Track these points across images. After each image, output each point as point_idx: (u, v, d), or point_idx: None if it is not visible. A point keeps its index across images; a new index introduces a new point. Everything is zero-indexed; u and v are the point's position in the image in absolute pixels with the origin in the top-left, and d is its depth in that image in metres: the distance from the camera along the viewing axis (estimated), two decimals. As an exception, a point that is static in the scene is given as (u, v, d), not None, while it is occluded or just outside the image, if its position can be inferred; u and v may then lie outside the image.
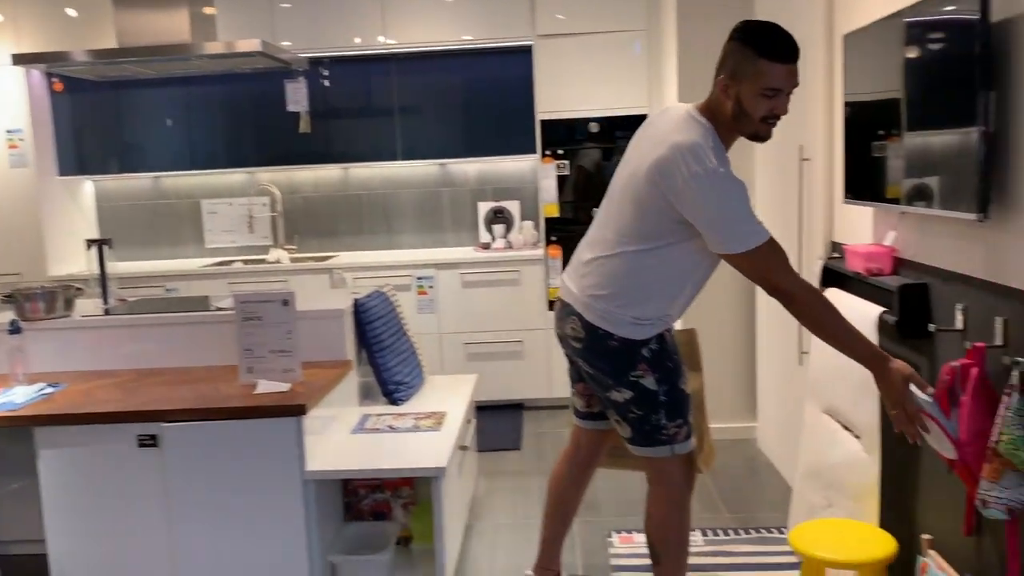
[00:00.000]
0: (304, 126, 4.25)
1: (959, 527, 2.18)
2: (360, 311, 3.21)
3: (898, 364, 2.03)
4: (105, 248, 3.37)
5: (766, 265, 2.11)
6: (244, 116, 5.15)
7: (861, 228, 2.80)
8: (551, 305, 4.85)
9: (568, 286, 2.40)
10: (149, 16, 3.62)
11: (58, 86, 4.98)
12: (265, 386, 2.69)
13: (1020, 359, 1.80)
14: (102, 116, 5.19)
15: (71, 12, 4.81)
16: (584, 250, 2.39)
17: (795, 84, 2.14)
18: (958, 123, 1.96)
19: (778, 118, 2.17)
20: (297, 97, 4.05)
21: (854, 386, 2.51)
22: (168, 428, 2.51)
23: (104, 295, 3.40)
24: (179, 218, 5.42)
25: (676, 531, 2.40)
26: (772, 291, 2.13)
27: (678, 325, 4.18)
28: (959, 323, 2.14)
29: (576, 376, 2.57)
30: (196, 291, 4.88)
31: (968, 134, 1.92)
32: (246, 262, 5.23)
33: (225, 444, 2.51)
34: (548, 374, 4.89)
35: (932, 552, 2.18)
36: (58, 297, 3.16)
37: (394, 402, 3.26)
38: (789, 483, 3.65)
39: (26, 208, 4.82)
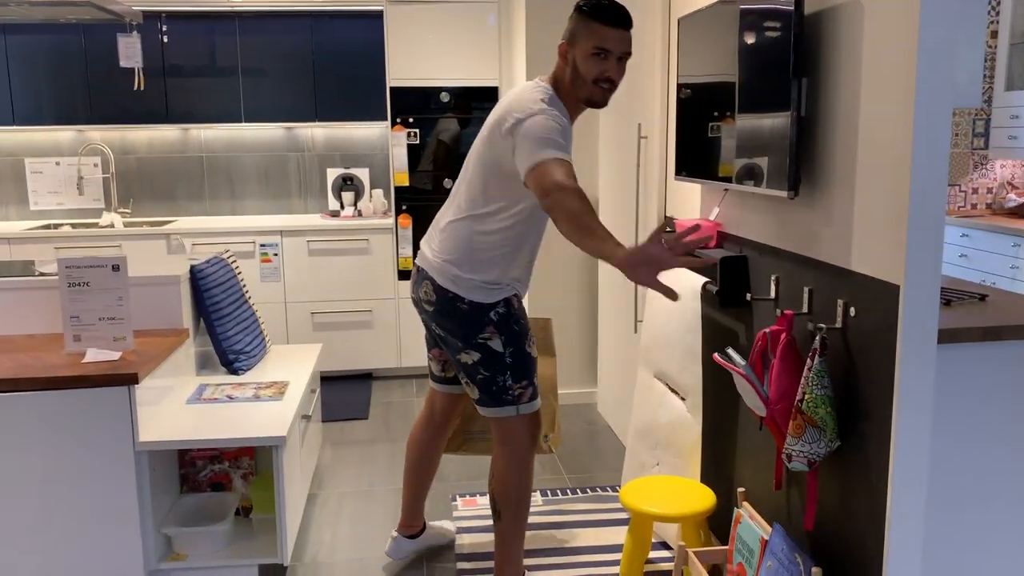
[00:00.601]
0: (139, 83, 4.01)
1: (770, 480, 2.38)
2: (197, 277, 3.10)
3: (632, 248, 1.87)
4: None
5: (549, 171, 2.06)
6: (73, 70, 4.81)
7: (691, 204, 2.97)
8: (401, 275, 4.85)
9: (424, 251, 2.49)
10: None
11: None
12: (94, 355, 2.57)
13: (822, 325, 1.98)
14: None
15: None
16: (440, 216, 2.50)
17: (626, 50, 2.27)
18: (776, 107, 2.12)
19: (611, 83, 2.28)
20: (130, 52, 3.81)
21: (681, 352, 2.68)
22: (-18, 400, 2.35)
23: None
24: (0, 177, 5.02)
25: (517, 489, 2.48)
26: (543, 199, 2.06)
27: (532, 313, 4.29)
28: (772, 293, 2.32)
29: (432, 341, 2.64)
30: (19, 256, 4.55)
31: (784, 117, 2.07)
32: (75, 226, 4.92)
33: (49, 416, 2.38)
34: (398, 344, 4.90)
35: (746, 504, 2.37)
36: None
37: (234, 372, 3.18)
38: (623, 443, 3.84)
39: None
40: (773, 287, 2.31)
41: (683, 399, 2.71)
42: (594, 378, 4.44)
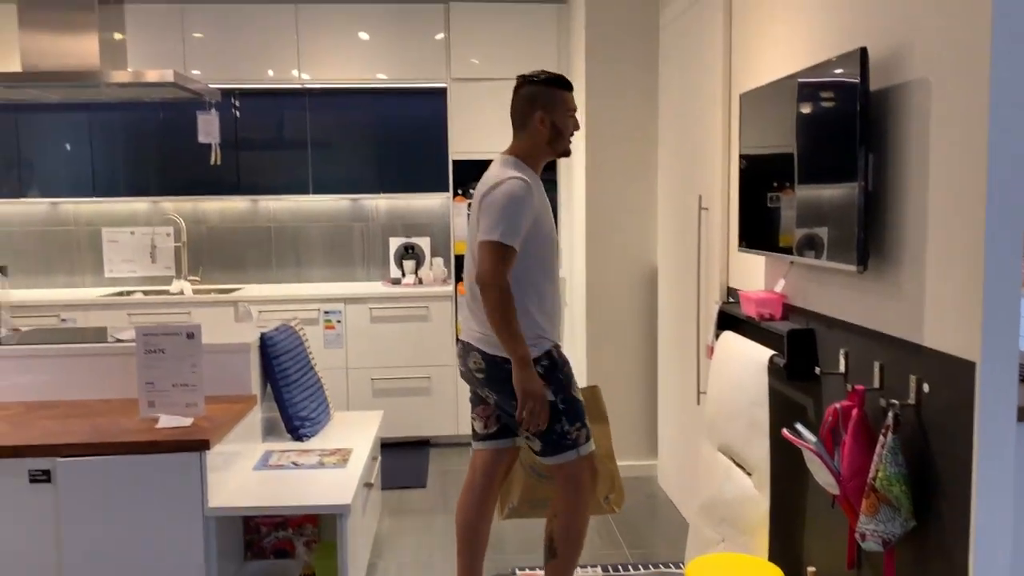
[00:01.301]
0: (216, 157, 4.21)
1: (842, 559, 2.31)
2: (267, 345, 3.18)
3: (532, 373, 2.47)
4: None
5: (488, 258, 2.46)
6: (148, 143, 5.06)
7: (754, 275, 2.96)
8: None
9: (465, 326, 2.69)
10: (56, 39, 3.53)
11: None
12: (167, 420, 2.64)
13: (895, 401, 1.95)
14: (-2, 138, 5.01)
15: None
16: (470, 291, 2.66)
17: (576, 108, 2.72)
18: (841, 179, 2.13)
19: (574, 133, 2.71)
20: (209, 129, 4.01)
21: (747, 425, 2.64)
22: (63, 463, 2.43)
23: (-5, 324, 3.27)
24: (77, 246, 5.25)
25: (576, 530, 2.63)
26: (479, 279, 2.48)
27: (582, 383, 4.30)
28: (842, 367, 2.29)
29: (476, 399, 2.75)
30: (94, 322, 4.72)
31: (850, 189, 2.08)
32: (147, 292, 5.09)
33: (124, 480, 2.44)
34: (455, 411, 4.92)
35: (816, 584, 2.31)
36: (-56, 325, 3.02)
37: (299, 438, 3.23)
38: (687, 519, 3.77)
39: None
40: (842, 361, 2.28)
41: (749, 474, 2.66)
42: (654, 449, 4.39)
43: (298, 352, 3.39)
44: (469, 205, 4.83)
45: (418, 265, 5.20)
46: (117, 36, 3.68)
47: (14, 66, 3.73)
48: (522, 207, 2.50)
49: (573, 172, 4.73)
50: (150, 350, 2.74)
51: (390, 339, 4.87)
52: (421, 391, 4.90)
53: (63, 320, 4.69)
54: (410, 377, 4.89)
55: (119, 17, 3.73)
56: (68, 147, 5.03)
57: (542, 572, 3.24)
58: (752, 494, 2.62)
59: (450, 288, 4.92)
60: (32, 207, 5.15)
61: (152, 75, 3.51)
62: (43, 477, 2.44)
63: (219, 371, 3.01)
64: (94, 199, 5.10)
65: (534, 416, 2.48)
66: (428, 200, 5.35)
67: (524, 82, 2.66)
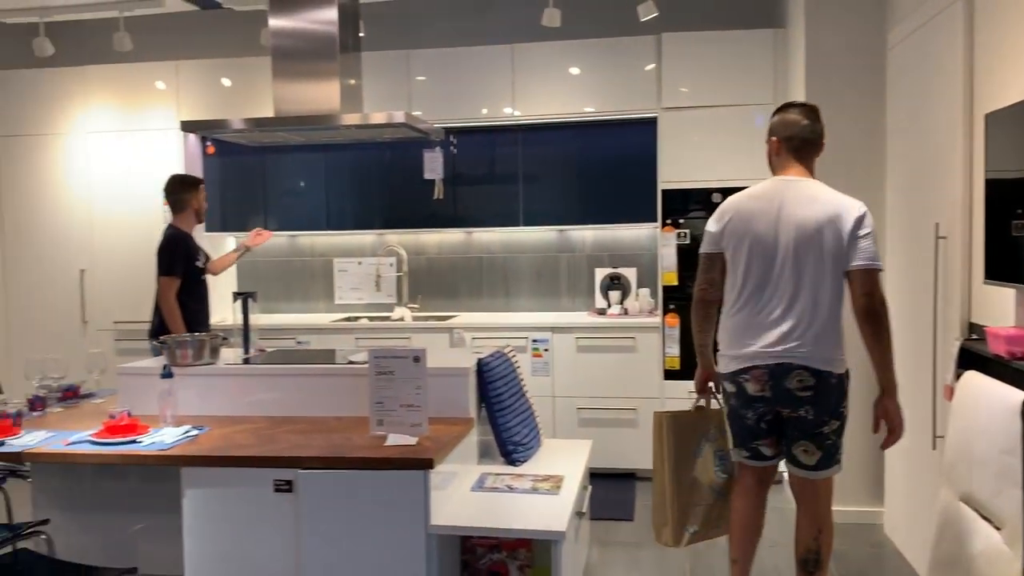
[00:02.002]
0: (439, 192, 4.45)
1: (1116, 633, 2.04)
2: (483, 370, 3.29)
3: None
4: (249, 301, 3.59)
5: (879, 284, 2.69)
6: (375, 181, 5.43)
7: (1002, 309, 2.71)
8: (667, 374, 4.83)
9: (788, 346, 2.72)
10: (303, 87, 3.89)
11: (211, 149, 5.38)
12: (394, 439, 2.79)
13: None
14: (247, 177, 5.56)
15: (226, 82, 5.24)
16: (781, 311, 2.73)
17: None
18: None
19: None
20: (434, 166, 4.26)
21: (995, 474, 2.41)
22: (303, 475, 2.63)
23: (246, 345, 3.62)
24: (312, 275, 5.71)
25: (832, 535, 2.85)
26: (875, 304, 2.68)
27: None
28: (1116, 413, 2.03)
29: (766, 431, 2.84)
30: (325, 344, 5.10)
31: None
32: (371, 319, 5.44)
33: (356, 493, 2.61)
34: (662, 444, 4.84)
35: (1085, 658, 2.04)
36: (205, 345, 3.38)
37: (512, 462, 3.30)
38: (918, 572, 3.47)
39: (175, 260, 5.18)
40: (1116, 407, 2.03)
41: (998, 528, 2.41)
42: (879, 494, 4.09)
43: (511, 378, 3.48)
44: (680, 234, 4.79)
45: (624, 296, 5.20)
46: (353, 82, 3.99)
47: (268, 112, 4.15)
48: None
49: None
50: (381, 372, 2.92)
51: (596, 369, 4.89)
52: (627, 423, 4.87)
53: (299, 343, 5.10)
54: (616, 408, 4.88)
55: (357, 64, 4.05)
56: (303, 184, 5.50)
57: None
58: (1002, 551, 2.37)
59: (657, 319, 4.88)
60: (274, 240, 5.67)
61: (382, 117, 3.77)
62: (286, 487, 2.66)
63: (440, 394, 3.14)
64: (327, 232, 5.54)
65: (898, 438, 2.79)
66: (635, 231, 5.35)
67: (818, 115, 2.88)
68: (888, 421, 2.76)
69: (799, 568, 2.85)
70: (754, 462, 2.92)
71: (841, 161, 4.06)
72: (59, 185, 5.42)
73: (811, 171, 2.85)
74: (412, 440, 2.78)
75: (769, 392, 2.74)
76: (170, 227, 4.41)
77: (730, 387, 2.85)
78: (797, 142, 2.82)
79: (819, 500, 2.81)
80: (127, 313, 5.26)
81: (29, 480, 3.26)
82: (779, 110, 2.94)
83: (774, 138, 2.90)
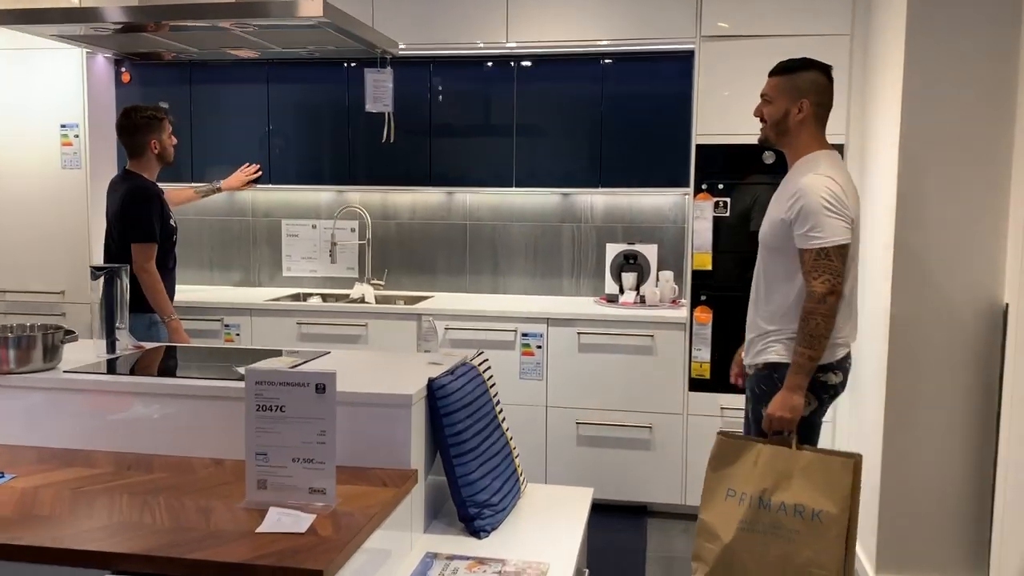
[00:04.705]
0: (388, 133, 3.32)
1: None
2: (436, 396, 2.24)
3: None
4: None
5: None
6: (333, 122, 4.30)
7: None
8: (693, 384, 3.77)
9: (851, 334, 2.59)
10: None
11: (126, 77, 4.29)
12: (275, 519, 1.75)
13: None
14: (172, 114, 4.44)
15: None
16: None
17: (763, 92, 2.70)
18: None
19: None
20: (379, 93, 3.10)
21: None
22: (107, 587, 1.59)
23: (109, 342, 2.57)
24: (255, 239, 4.65)
25: None
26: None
27: (877, 455, 3.08)
28: None
29: None
30: (259, 330, 4.06)
31: None
32: (325, 297, 4.40)
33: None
34: (682, 474, 3.79)
35: None
36: (36, 343, 2.32)
37: (474, 531, 2.26)
38: None
39: (76, 217, 4.11)
40: None
41: None
42: (983, 562, 3.04)
43: (481, 405, 2.42)
44: (719, 203, 3.71)
45: (641, 280, 4.13)
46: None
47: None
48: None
49: (868, 171, 3.47)
50: (263, 407, 1.87)
51: (602, 373, 3.83)
52: (640, 444, 3.82)
53: (226, 327, 4.06)
54: (626, 424, 3.83)
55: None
56: (241, 126, 4.40)
57: None
58: None
59: (683, 312, 3.81)
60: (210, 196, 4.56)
61: (300, 9, 2.67)
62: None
63: (368, 431, 2.11)
64: (272, 187, 4.46)
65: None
66: (658, 197, 4.26)
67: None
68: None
69: None
70: None
71: (950, 138, 2.98)
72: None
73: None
74: (302, 524, 1.73)
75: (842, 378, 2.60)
76: (133, 176, 3.48)
77: (836, 377, 2.55)
78: (825, 112, 2.61)
79: None
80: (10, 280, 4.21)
81: None
82: (803, 66, 2.60)
83: (805, 100, 2.56)
